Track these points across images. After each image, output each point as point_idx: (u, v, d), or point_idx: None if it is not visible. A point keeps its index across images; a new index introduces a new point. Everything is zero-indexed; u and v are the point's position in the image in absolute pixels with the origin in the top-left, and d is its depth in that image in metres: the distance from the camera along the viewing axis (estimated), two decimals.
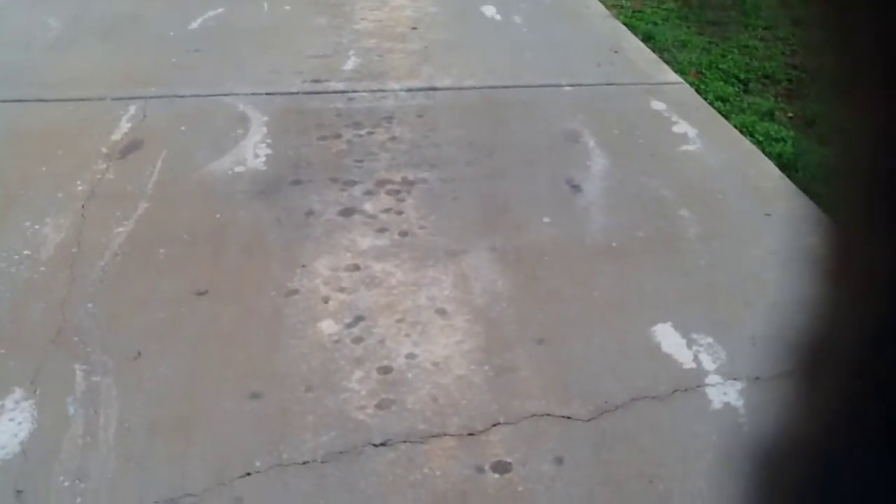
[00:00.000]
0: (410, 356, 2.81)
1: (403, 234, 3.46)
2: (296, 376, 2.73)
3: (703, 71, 5.28)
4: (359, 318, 2.98)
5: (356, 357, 2.81)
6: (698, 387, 2.68)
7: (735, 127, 4.47)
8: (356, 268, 3.25)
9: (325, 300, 3.08)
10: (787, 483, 0.33)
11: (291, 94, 4.73)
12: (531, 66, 5.22)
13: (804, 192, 3.86)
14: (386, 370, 2.75)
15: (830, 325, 0.31)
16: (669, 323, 2.95)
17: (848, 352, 0.30)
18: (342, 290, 3.13)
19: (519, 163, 4.01)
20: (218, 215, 3.58)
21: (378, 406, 2.61)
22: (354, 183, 3.83)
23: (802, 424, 0.33)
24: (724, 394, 2.65)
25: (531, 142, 4.22)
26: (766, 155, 4.17)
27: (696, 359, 2.79)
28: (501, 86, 4.89)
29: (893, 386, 0.27)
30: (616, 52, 5.48)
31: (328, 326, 2.95)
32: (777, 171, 4.01)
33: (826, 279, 0.31)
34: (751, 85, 5.15)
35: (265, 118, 4.43)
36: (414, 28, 5.90)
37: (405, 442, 2.49)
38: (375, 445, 2.48)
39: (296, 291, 3.12)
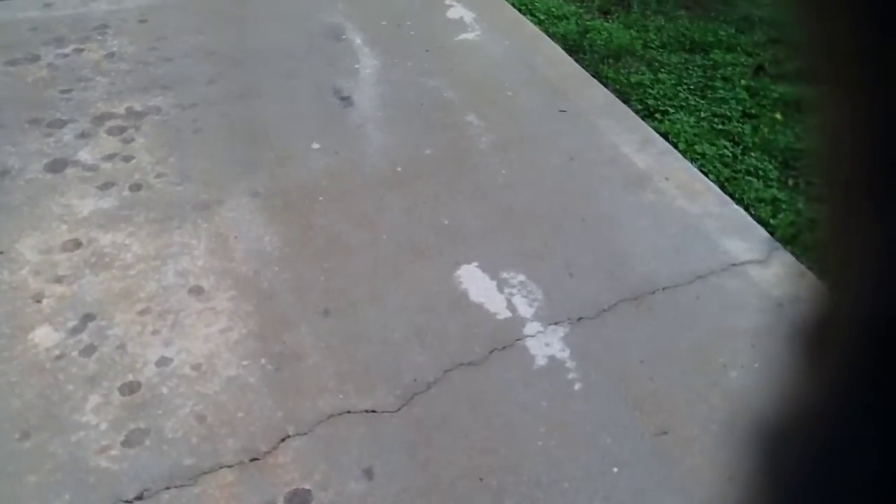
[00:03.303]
0: (162, 362, 2.18)
1: (136, 187, 2.72)
2: (4, 420, 2.03)
3: None
4: (87, 318, 2.28)
5: (89, 376, 2.13)
6: (517, 340, 2.29)
7: (513, 6, 4.00)
8: (76, 244, 2.50)
9: (37, 298, 2.33)
10: (790, 460, 0.30)
11: None
12: None
13: (594, 76, 3.51)
14: (131, 388, 2.11)
15: (830, 304, 0.29)
16: (475, 263, 2.52)
17: (849, 330, 0.28)
18: (59, 279, 2.39)
19: (275, 74, 3.31)
20: None
21: (126, 443, 1.99)
22: (63, 123, 2.97)
23: (804, 401, 0.30)
24: (546, 344, 2.28)
25: (287, 44, 3.51)
26: (550, 36, 3.76)
27: (509, 304, 2.39)
28: None
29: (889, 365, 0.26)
30: None
31: (45, 336, 2.23)
32: (564, 55, 3.62)
33: (823, 265, 0.29)
34: None
35: None
36: None
37: (168, 489, 1.90)
38: (128, 502, 1.88)
39: None
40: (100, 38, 3.45)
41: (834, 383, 0.29)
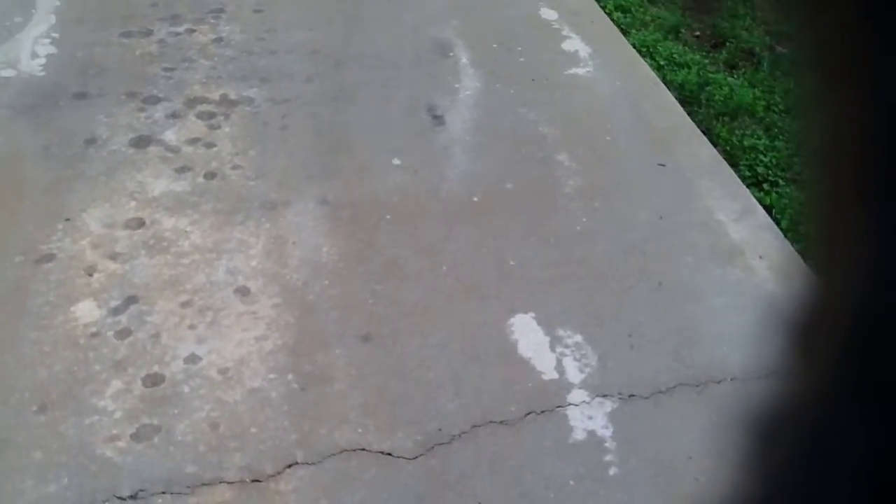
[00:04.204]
0: (191, 359, 2.13)
1: (210, 175, 2.70)
2: (28, 388, 2.02)
3: None
4: (130, 300, 2.26)
5: (117, 360, 2.11)
6: (558, 407, 2.13)
7: (634, 46, 3.81)
8: (140, 223, 2.50)
9: (90, 271, 2.33)
10: (780, 451, 0.30)
11: None
12: None
13: (705, 132, 3.29)
14: (155, 380, 2.07)
15: (822, 299, 0.30)
16: (531, 313, 2.36)
17: (841, 325, 0.28)
18: (115, 256, 2.38)
19: (372, 81, 3.26)
20: None
21: (135, 436, 1.95)
22: (158, 100, 3.00)
23: (797, 396, 0.30)
24: (588, 417, 2.11)
25: (391, 53, 3.45)
26: (666, 84, 3.55)
27: (559, 365, 2.23)
28: None
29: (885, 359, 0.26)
30: None
31: (87, 311, 2.22)
32: (677, 105, 3.41)
33: (815, 258, 0.30)
34: None
35: (56, 2, 3.47)
36: None
37: (163, 493, 1.84)
38: (121, 499, 1.83)
39: (51, 257, 2.36)
40: (213, 21, 3.48)
41: (824, 376, 0.29)
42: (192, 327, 2.20)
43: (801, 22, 0.28)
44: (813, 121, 0.29)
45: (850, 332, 0.28)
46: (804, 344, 0.30)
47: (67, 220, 2.47)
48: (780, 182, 3.05)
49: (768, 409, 0.32)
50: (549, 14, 3.92)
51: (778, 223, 2.80)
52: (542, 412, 2.11)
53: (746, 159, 3.16)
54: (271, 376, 2.11)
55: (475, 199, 2.76)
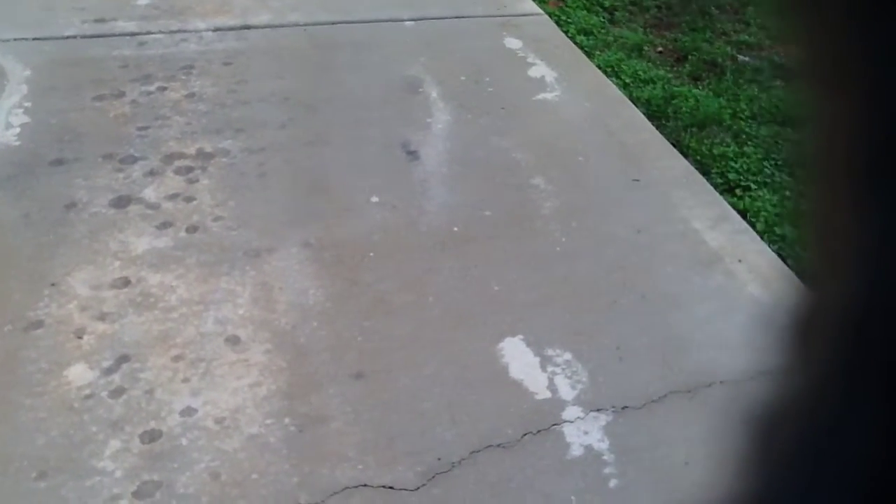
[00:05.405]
0: (187, 411, 2.14)
1: (192, 229, 2.73)
2: (26, 456, 2.02)
3: None
4: (122, 359, 2.27)
5: (114, 419, 2.12)
6: (553, 425, 2.15)
7: (599, 67, 3.89)
8: (125, 282, 2.52)
9: (79, 334, 2.34)
10: (781, 447, 0.31)
11: (66, 38, 3.81)
12: None
13: (675, 144, 3.35)
14: (152, 436, 2.08)
15: (817, 298, 0.31)
16: (520, 336, 2.39)
17: (838, 318, 0.29)
18: (103, 317, 2.40)
19: (345, 123, 3.31)
20: None
21: (137, 494, 1.95)
22: (135, 160, 3.04)
23: (793, 391, 0.31)
24: (584, 433, 2.13)
25: (362, 94, 3.51)
26: (633, 101, 3.63)
27: (551, 384, 2.26)
28: (331, 21, 4.12)
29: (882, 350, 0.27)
30: None
31: (80, 374, 2.23)
32: (646, 121, 3.48)
33: (810, 252, 0.31)
34: (617, 14, 4.56)
35: (27, 72, 3.52)
36: None
37: None
38: None
39: (40, 324, 2.37)
40: (184, 77, 3.53)
41: (820, 374, 0.29)
42: (185, 380, 2.22)
43: (794, 26, 0.28)
44: (808, 124, 0.29)
45: (844, 330, 0.28)
46: (800, 343, 0.31)
47: (53, 285, 2.49)
48: (752, 186, 3.11)
49: (765, 408, 0.32)
50: (513, 43, 4.00)
51: (753, 226, 2.86)
52: (539, 432, 2.13)
53: (718, 167, 3.23)
54: (268, 421, 2.12)
55: (455, 229, 2.80)
